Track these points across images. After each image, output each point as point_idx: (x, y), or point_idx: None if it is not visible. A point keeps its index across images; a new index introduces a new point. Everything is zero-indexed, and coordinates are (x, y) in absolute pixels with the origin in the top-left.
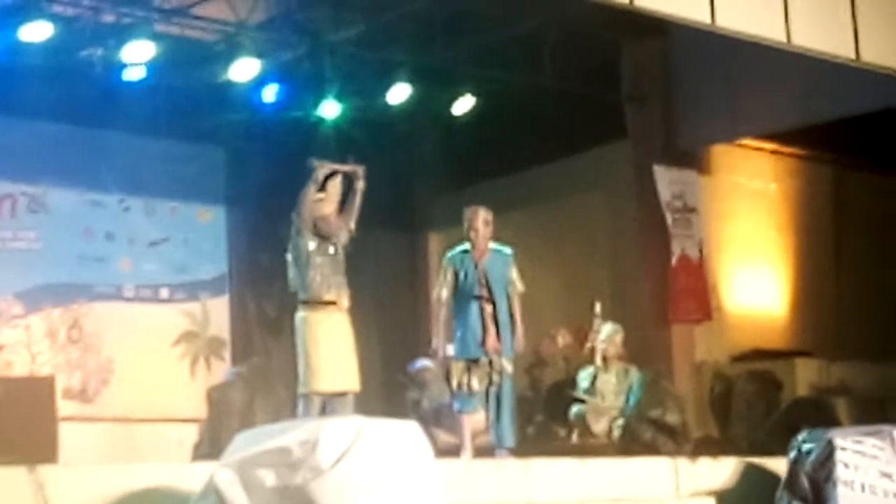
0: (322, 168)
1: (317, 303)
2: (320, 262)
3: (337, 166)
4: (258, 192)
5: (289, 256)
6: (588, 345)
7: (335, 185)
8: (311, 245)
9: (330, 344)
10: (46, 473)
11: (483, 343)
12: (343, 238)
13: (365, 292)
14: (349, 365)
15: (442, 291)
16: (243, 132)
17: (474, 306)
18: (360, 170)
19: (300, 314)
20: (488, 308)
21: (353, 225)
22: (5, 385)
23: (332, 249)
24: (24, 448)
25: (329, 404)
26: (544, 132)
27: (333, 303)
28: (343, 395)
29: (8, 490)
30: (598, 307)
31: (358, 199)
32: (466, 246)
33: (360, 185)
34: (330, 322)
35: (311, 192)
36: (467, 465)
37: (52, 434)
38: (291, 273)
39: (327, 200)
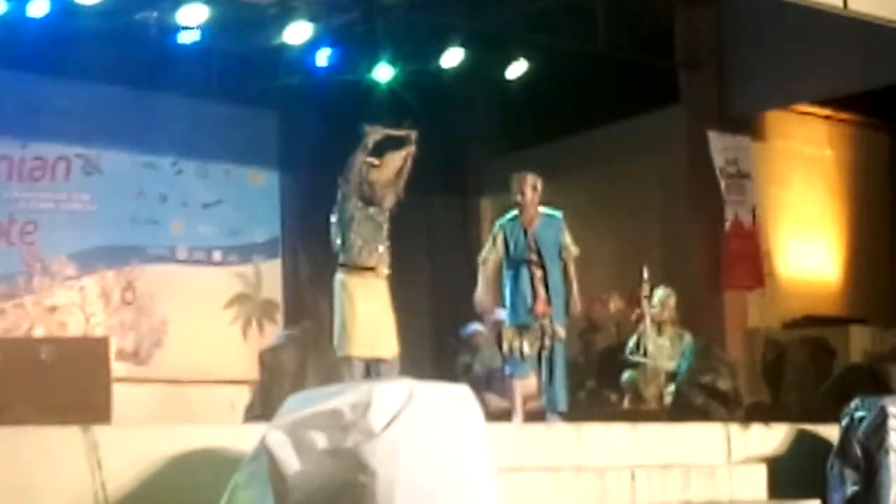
0: (373, 133)
1: (355, 267)
2: (363, 227)
3: (389, 131)
4: (311, 156)
5: (333, 219)
6: (637, 310)
7: (395, 157)
8: (356, 210)
9: (366, 309)
10: (100, 433)
11: (532, 308)
12: (389, 202)
13: (417, 256)
14: (385, 331)
15: (489, 255)
16: (296, 95)
17: (524, 272)
18: (412, 134)
19: (338, 276)
20: (538, 273)
21: (402, 189)
22: (59, 346)
23: (376, 215)
24: (78, 408)
25: (374, 369)
26: (597, 97)
27: (372, 269)
28: (379, 361)
29: (63, 449)
30: (645, 272)
31: (409, 164)
32: (517, 212)
33: (412, 149)
34: (367, 287)
35: (360, 158)
36: (518, 430)
37: (106, 395)
38: (335, 235)
39: (382, 168)
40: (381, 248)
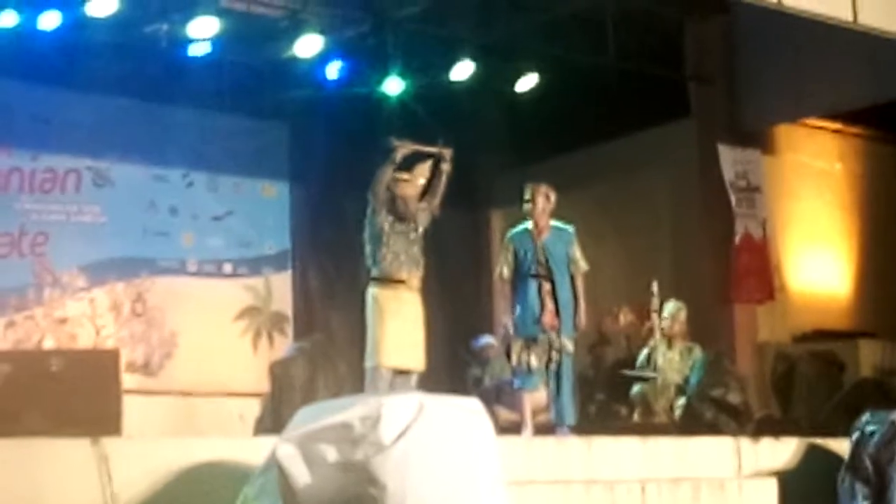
0: (402, 149)
1: (387, 280)
2: (394, 241)
3: (420, 147)
4: (322, 168)
5: (365, 234)
6: (647, 324)
7: (423, 169)
8: (386, 224)
9: (396, 321)
10: (110, 445)
11: (539, 321)
12: (424, 220)
13: (428, 269)
14: (415, 344)
15: (503, 270)
16: (307, 108)
17: (532, 284)
18: (446, 152)
19: (371, 290)
20: (546, 286)
21: (437, 207)
22: (70, 358)
23: (407, 229)
24: (88, 420)
25: (392, 382)
26: (608, 110)
27: (403, 281)
28: (406, 373)
29: (72, 461)
30: (654, 286)
31: (443, 182)
32: (528, 224)
33: (446, 167)
34: (398, 300)
35: (388, 172)
36: (528, 443)
37: (116, 407)
38: (367, 249)
39: (411, 181)
40: (413, 262)
